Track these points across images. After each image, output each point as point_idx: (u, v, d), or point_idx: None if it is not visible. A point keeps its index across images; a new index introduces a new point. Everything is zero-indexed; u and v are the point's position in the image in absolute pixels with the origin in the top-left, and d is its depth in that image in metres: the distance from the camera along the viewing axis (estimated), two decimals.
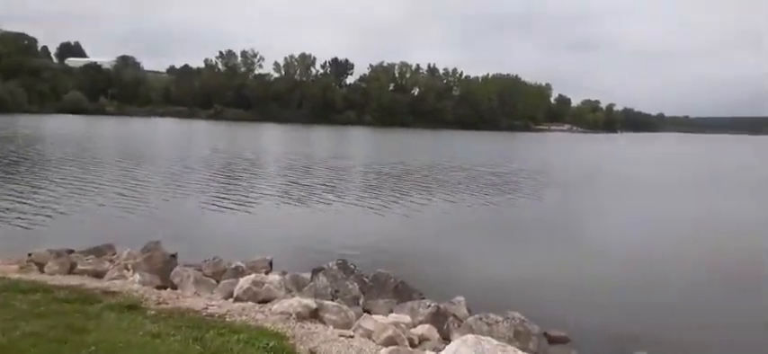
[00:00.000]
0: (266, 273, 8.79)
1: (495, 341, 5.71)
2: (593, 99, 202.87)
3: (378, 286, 8.28)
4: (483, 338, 5.80)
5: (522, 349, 5.99)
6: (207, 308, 6.65)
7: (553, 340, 7.70)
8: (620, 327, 8.40)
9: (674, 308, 9.60)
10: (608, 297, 10.04)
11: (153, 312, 6.45)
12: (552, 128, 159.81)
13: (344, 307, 6.77)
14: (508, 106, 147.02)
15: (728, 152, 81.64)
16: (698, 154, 70.07)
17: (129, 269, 9.06)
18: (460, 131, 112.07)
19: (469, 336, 5.82)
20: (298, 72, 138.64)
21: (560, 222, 17.94)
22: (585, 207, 21.74)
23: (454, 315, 7.52)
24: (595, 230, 17.05)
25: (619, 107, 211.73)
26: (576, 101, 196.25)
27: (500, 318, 6.92)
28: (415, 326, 6.76)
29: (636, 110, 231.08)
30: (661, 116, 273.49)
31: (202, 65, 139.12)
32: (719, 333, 8.45)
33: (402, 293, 8.18)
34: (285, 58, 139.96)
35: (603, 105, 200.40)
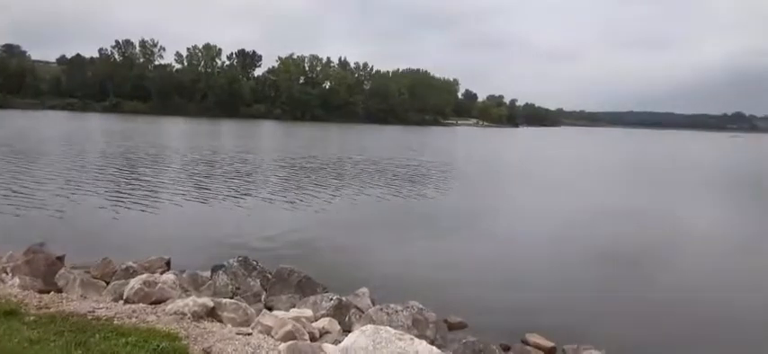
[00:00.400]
0: (162, 273, 8.41)
1: (393, 330, 5.82)
2: (497, 94, 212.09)
3: (280, 281, 8.18)
4: (381, 327, 5.90)
5: (420, 336, 6.16)
6: (93, 311, 6.26)
7: (452, 327, 7.99)
8: (516, 311, 8.84)
9: (567, 291, 10.25)
10: (505, 284, 10.52)
11: (32, 317, 6.00)
12: (460, 122, 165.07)
13: (244, 305, 6.63)
14: (418, 100, 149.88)
15: (618, 145, 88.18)
16: (590, 146, 75.19)
17: (7, 273, 8.33)
18: (372, 125, 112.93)
19: (368, 326, 5.90)
20: (202, 63, 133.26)
21: (465, 212, 18.58)
22: (488, 197, 22.65)
23: (356, 307, 7.59)
24: (497, 220, 17.81)
25: (521, 102, 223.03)
26: (481, 97, 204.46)
27: (400, 307, 7.07)
28: (316, 320, 6.75)
29: (537, 105, 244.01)
30: (560, 110, 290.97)
31: (96, 54, 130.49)
32: (608, 314, 9.10)
33: (305, 288, 8.13)
34: (188, 49, 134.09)
35: (507, 100, 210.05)
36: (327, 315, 6.92)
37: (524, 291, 10.13)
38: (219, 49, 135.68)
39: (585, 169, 38.98)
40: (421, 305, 7.39)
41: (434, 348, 5.84)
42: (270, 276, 8.42)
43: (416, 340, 5.70)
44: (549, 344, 7.39)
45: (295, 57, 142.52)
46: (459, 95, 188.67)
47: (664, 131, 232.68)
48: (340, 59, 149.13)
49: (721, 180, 35.71)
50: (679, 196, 26.06)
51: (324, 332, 6.41)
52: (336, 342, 5.92)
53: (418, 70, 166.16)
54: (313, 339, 6.09)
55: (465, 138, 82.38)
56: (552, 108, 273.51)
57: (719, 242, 15.64)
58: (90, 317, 6.13)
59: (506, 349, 7.17)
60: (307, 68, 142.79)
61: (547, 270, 11.68)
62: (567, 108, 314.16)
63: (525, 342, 7.47)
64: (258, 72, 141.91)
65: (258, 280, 8.14)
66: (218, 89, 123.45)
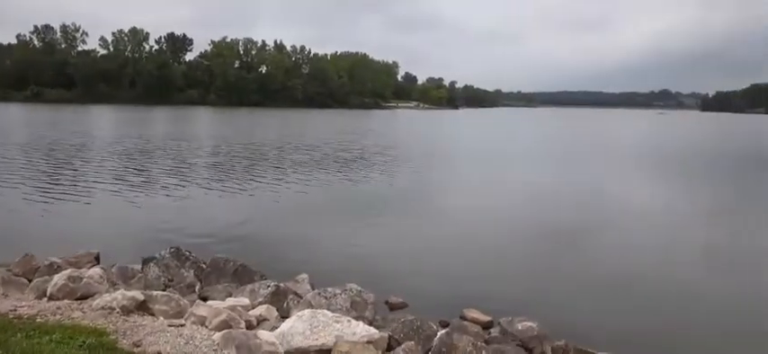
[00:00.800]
0: (90, 268, 8.04)
1: (330, 313, 5.84)
2: (437, 77, 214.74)
3: (216, 271, 8.01)
4: (319, 311, 5.91)
5: (358, 318, 6.20)
6: (15, 310, 5.93)
7: (393, 307, 8.08)
8: (456, 289, 9.01)
9: (504, 268, 10.54)
10: (446, 263, 10.71)
11: None
12: (400, 105, 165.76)
13: (176, 296, 6.44)
14: (358, 84, 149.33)
15: (553, 124, 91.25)
16: (527, 127, 77.51)
17: None
18: (311, 110, 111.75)
19: (306, 311, 5.89)
20: (129, 48, 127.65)
21: (407, 194, 18.73)
22: (429, 179, 22.91)
23: (295, 293, 7.53)
24: (438, 201, 18.05)
25: (460, 84, 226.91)
26: (421, 79, 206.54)
27: (338, 291, 7.07)
28: (253, 308, 6.65)
29: (476, 86, 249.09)
30: (498, 91, 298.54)
31: (14, 41, 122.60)
32: (542, 287, 9.43)
33: (242, 276, 7.99)
34: (113, 34, 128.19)
35: (447, 82, 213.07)
36: (265, 303, 6.83)
37: (464, 269, 10.35)
38: (147, 33, 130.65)
39: (522, 149, 40.08)
40: (360, 288, 7.41)
41: (372, 328, 5.91)
42: (204, 266, 8.22)
43: (354, 321, 5.74)
44: (486, 318, 7.60)
45: (229, 40, 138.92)
46: (399, 78, 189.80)
47: (596, 109, 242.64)
48: (276, 42, 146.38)
49: (648, 156, 37.59)
50: (607, 172, 27.29)
51: (261, 320, 6.32)
52: (274, 329, 5.86)
53: (357, 53, 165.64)
54: (250, 326, 6.01)
55: (406, 121, 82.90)
56: (491, 89, 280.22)
57: (647, 215, 16.43)
58: (11, 316, 5.82)
59: (445, 325, 7.32)
60: (241, 52, 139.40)
61: (486, 248, 11.95)
62: (505, 89, 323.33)
63: (463, 318, 7.64)
64: (190, 56, 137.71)
65: (192, 271, 7.93)
66: (147, 75, 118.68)
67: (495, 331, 7.02)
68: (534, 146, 42.12)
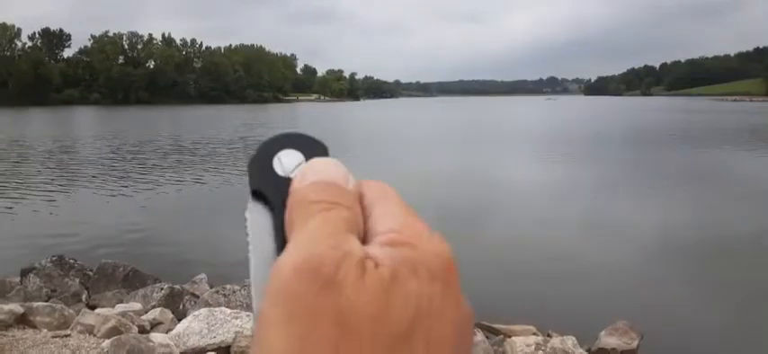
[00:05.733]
0: None
1: (228, 310, 5.80)
2: (336, 68, 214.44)
3: (104, 278, 7.64)
4: (217, 309, 5.84)
5: None
6: None
7: None
8: None
9: None
10: None
11: None
12: (300, 98, 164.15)
13: (60, 306, 6.09)
14: (255, 77, 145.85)
15: (453, 113, 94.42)
16: (429, 115, 79.60)
17: None
18: (206, 106, 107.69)
19: (202, 310, 5.80)
20: None
21: None
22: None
23: (192, 293, 7.37)
24: None
25: (360, 75, 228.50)
26: (321, 72, 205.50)
27: (238, 287, 7.01)
28: (146, 312, 6.44)
29: (375, 77, 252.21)
30: (397, 82, 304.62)
31: None
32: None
33: (134, 281, 7.69)
34: None
35: (347, 74, 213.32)
36: (158, 306, 6.63)
37: None
38: (19, 29, 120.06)
39: (425, 137, 41.07)
40: None
41: None
42: (91, 273, 7.81)
43: (252, 315, 5.72)
44: None
45: (111, 34, 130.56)
46: (299, 71, 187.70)
47: (489, 98, 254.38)
48: (164, 36, 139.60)
49: (542, 138, 39.82)
50: (497, 156, 28.77)
51: (155, 323, 6.14)
52: (169, 331, 5.72)
53: (253, 45, 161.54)
54: (143, 331, 5.81)
55: (306, 115, 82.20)
56: (390, 80, 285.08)
57: (539, 193, 17.34)
58: None
59: None
60: (126, 47, 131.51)
61: None
62: (404, 79, 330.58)
63: None
64: (68, 53, 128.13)
65: (77, 279, 7.51)
66: (20, 74, 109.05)
67: None
68: (435, 135, 43.28)
